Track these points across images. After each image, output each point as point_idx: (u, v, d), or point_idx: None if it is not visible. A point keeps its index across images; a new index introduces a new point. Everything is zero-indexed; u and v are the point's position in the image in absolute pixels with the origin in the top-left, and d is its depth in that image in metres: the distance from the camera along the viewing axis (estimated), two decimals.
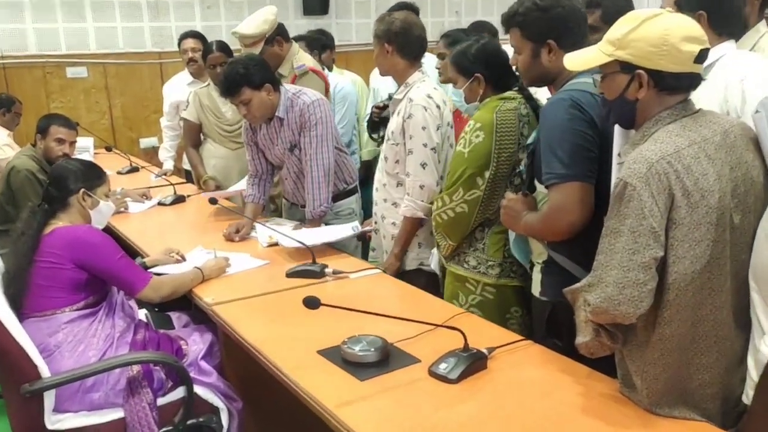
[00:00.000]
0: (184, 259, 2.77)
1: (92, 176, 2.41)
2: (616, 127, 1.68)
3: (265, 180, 3.22)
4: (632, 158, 1.47)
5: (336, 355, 1.88)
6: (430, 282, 2.69)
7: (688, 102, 1.56)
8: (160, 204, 3.77)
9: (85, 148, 5.31)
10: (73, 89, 7.70)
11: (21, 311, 2.20)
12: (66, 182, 2.35)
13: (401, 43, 2.68)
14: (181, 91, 4.40)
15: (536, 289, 2.04)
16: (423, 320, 1.90)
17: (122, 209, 3.54)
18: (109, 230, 3.47)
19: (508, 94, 2.27)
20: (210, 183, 3.97)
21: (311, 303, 1.69)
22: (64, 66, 7.62)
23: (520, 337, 1.97)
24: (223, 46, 4.29)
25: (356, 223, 3.02)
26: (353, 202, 3.27)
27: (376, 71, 4.09)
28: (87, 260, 2.20)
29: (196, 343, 2.36)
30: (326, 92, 3.58)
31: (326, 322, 2.06)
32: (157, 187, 4.02)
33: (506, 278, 2.27)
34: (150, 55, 7.42)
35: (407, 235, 2.68)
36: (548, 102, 1.90)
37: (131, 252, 3.20)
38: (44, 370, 2.06)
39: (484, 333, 2.02)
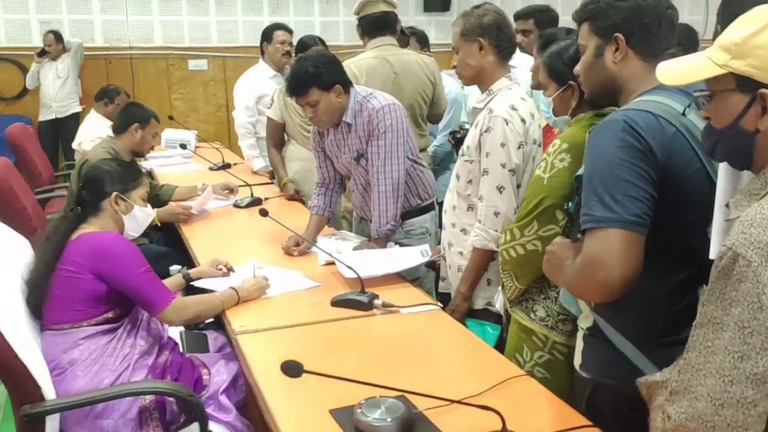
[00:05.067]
0: (232, 272, 2.53)
1: (128, 178, 2.23)
2: (723, 166, 1.23)
3: (332, 190, 2.94)
4: (750, 218, 1.03)
5: (348, 419, 1.55)
6: (499, 322, 2.28)
7: None
8: (235, 206, 3.60)
9: (186, 141, 5.27)
10: (193, 81, 7.87)
11: (42, 322, 2.05)
12: (99, 184, 2.18)
13: (496, 38, 2.30)
14: (264, 85, 4.21)
15: (577, 360, 1.62)
16: (455, 398, 1.53)
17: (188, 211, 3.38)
18: (172, 229, 3.37)
19: (608, 110, 1.82)
20: (289, 186, 3.76)
21: (291, 370, 1.36)
22: (186, 58, 7.80)
23: (586, 423, 1.54)
24: (321, 41, 4.09)
25: (426, 247, 2.66)
26: (428, 220, 2.91)
27: None
28: (107, 272, 2.01)
29: (219, 374, 2.11)
30: None
31: (357, 365, 1.79)
32: (237, 186, 3.84)
33: None
34: None
35: (476, 271, 2.30)
36: (599, 124, 1.46)
37: (182, 257, 3.05)
38: (48, 392, 1.89)
39: (539, 408, 1.61)
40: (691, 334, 1.10)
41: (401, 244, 2.84)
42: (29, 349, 1.90)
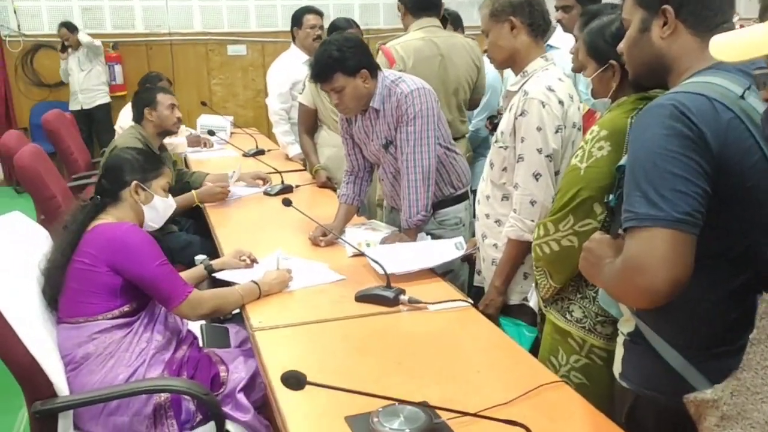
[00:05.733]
0: (256, 263, 2.44)
1: (148, 167, 2.15)
2: None
3: (362, 178, 2.82)
4: None
5: (364, 428, 1.43)
6: (535, 322, 2.13)
7: None
8: (265, 193, 3.52)
9: (221, 127, 5.22)
10: (232, 66, 7.84)
11: (58, 314, 1.99)
12: (119, 173, 2.11)
13: (529, 16, 2.14)
14: (297, 70, 4.10)
15: (617, 368, 1.46)
16: (482, 406, 1.40)
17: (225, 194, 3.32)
18: (202, 217, 3.30)
19: (653, 92, 1.64)
20: (321, 173, 3.65)
21: (292, 381, 1.24)
22: (225, 44, 7.77)
23: None
24: (353, 23, 3.97)
25: (461, 240, 2.52)
26: (461, 210, 2.76)
27: None
28: (121, 264, 1.93)
29: (237, 371, 2.02)
30: None
31: (377, 368, 1.70)
32: (266, 173, 3.75)
33: None
34: None
35: (512, 263, 2.15)
36: (643, 109, 1.29)
37: (210, 246, 2.97)
38: (62, 388, 1.84)
39: (574, 420, 1.47)
40: (746, 350, 0.95)
41: (433, 236, 2.71)
42: (42, 343, 1.85)
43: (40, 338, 1.85)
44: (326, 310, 2.08)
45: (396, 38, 3.27)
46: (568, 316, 1.75)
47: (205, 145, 4.84)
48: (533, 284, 1.99)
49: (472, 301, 2.12)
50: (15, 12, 7.09)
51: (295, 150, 4.23)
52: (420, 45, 3.15)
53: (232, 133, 5.37)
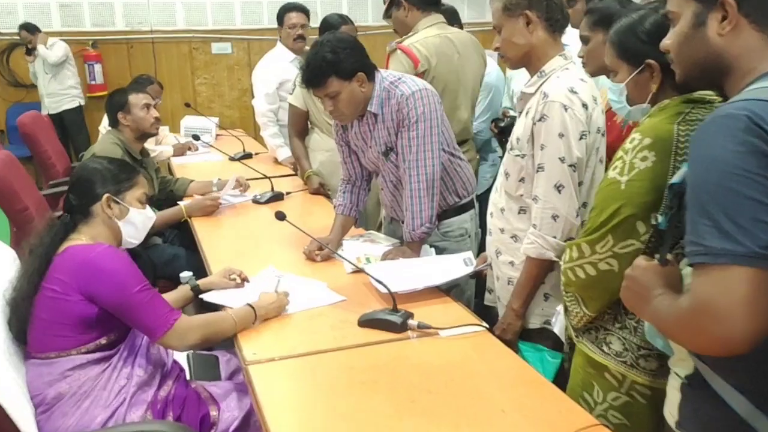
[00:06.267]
0: (246, 282, 2.23)
1: (122, 177, 1.92)
2: None
3: (359, 187, 2.61)
4: None
5: None
6: (559, 345, 1.94)
7: None
8: (254, 201, 3.30)
9: (206, 129, 4.99)
10: (217, 65, 7.59)
11: (27, 349, 1.77)
12: (88, 186, 1.88)
13: (546, 9, 1.93)
14: (283, 69, 3.88)
15: (671, 414, 1.27)
16: None
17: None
18: (187, 228, 3.08)
19: (699, 94, 1.45)
20: (313, 179, 3.44)
21: None
22: (209, 41, 7.51)
23: None
24: (349, 20, 3.76)
25: (470, 255, 2.32)
26: (467, 220, 2.56)
27: None
28: (96, 291, 1.72)
29: (230, 410, 1.82)
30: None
31: (387, 408, 1.52)
32: (255, 179, 3.54)
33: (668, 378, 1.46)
34: None
35: (531, 284, 1.96)
36: (707, 120, 1.09)
37: (197, 259, 2.75)
38: None
39: None
40: None
41: (437, 248, 2.51)
42: (7, 384, 1.63)
43: (5, 378, 1.63)
44: (327, 338, 1.87)
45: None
46: (604, 348, 1.55)
47: (190, 149, 4.61)
48: (558, 309, 1.80)
49: (488, 325, 1.92)
50: None
51: (284, 153, 4.01)
52: (438, 42, 2.94)
53: (217, 135, 5.14)
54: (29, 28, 6.42)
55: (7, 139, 7.01)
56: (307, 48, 4.00)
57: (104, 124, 4.64)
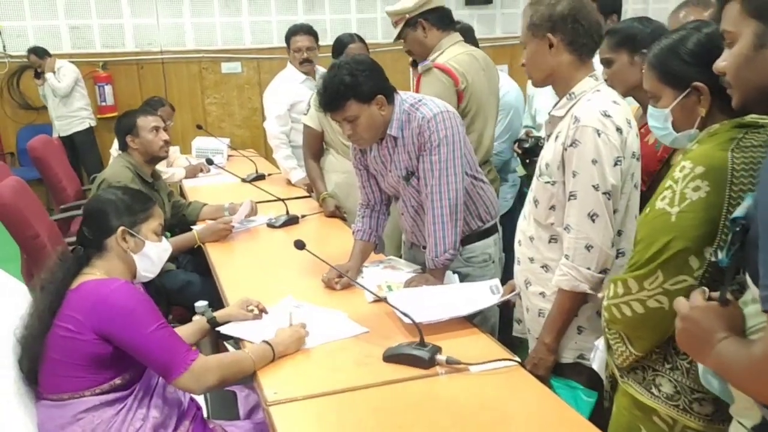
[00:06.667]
0: (264, 313, 2.15)
1: (137, 209, 1.85)
2: None
3: (378, 212, 2.53)
4: None
5: None
6: (594, 382, 1.85)
7: None
8: (269, 225, 3.23)
9: (217, 150, 4.94)
10: (227, 85, 7.56)
11: (38, 389, 1.70)
12: (102, 219, 1.81)
13: (571, 33, 1.84)
14: (295, 91, 3.83)
15: None
16: None
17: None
18: (200, 253, 3.00)
19: (751, 118, 1.35)
20: (329, 202, 3.36)
21: None
22: (219, 61, 7.50)
23: None
24: (360, 38, 3.71)
25: (496, 282, 2.23)
26: (490, 245, 2.48)
27: None
28: (110, 330, 1.64)
29: None
30: (458, 96, 2.81)
31: None
32: (268, 201, 3.46)
33: (725, 424, 1.34)
34: None
35: (564, 317, 1.86)
36: None
37: (212, 285, 2.67)
38: None
39: None
40: None
41: (460, 274, 2.43)
42: (17, 428, 1.55)
43: (15, 420, 1.55)
44: (351, 375, 1.79)
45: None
46: (653, 390, 1.45)
47: (202, 171, 4.56)
48: (598, 343, 1.71)
49: (519, 359, 1.83)
50: (0, 32, 6.80)
51: (298, 175, 3.95)
52: (468, 59, 2.88)
53: (229, 156, 5.09)
54: (38, 53, 6.41)
55: (18, 161, 7.00)
56: (321, 69, 3.99)
57: (115, 147, 4.60)
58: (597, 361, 1.71)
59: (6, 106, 6.97)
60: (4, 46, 6.83)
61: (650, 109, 1.54)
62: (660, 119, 1.51)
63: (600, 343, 1.68)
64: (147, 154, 3.08)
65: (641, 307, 1.40)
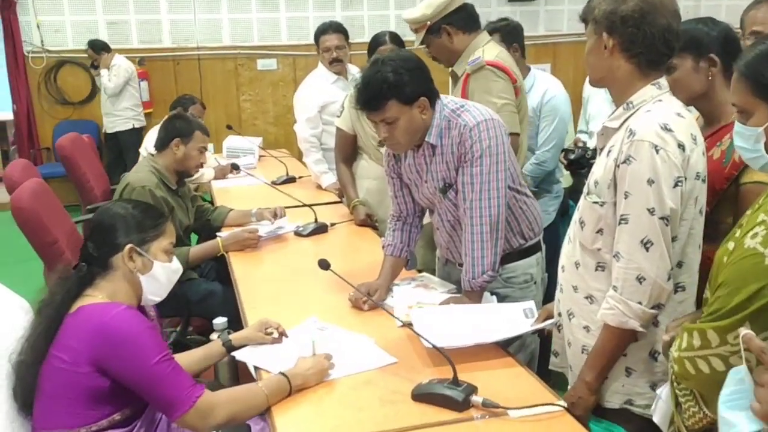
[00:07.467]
0: (284, 337, 1.99)
1: (147, 225, 1.70)
2: None
3: (410, 224, 2.35)
4: None
5: None
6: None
7: None
8: (296, 233, 3.07)
9: (249, 150, 4.82)
10: (262, 82, 7.46)
11: (32, 422, 1.56)
12: (110, 234, 1.67)
13: (629, 38, 1.62)
14: (326, 92, 3.66)
15: None
16: None
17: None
18: (223, 261, 2.87)
19: None
20: (360, 210, 3.19)
21: None
22: (255, 58, 7.39)
23: None
24: (395, 38, 3.52)
25: (531, 305, 2.03)
26: (533, 265, 2.27)
27: None
28: (107, 362, 1.50)
29: None
30: (516, 94, 2.60)
31: None
32: (296, 207, 3.31)
33: None
34: None
35: (609, 355, 1.65)
36: None
37: (233, 304, 2.51)
38: None
39: None
40: None
41: (499, 295, 2.23)
42: None
43: None
44: (376, 415, 1.61)
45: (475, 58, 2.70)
46: None
47: (231, 172, 4.44)
48: (660, 392, 1.49)
49: (565, 404, 1.62)
50: (38, 27, 6.81)
51: (329, 180, 3.79)
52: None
53: (260, 156, 4.96)
54: (95, 47, 6.41)
55: (54, 156, 7.00)
56: (353, 69, 3.82)
57: (145, 146, 4.52)
58: (659, 413, 1.49)
59: (43, 101, 6.99)
60: (42, 41, 6.83)
61: (738, 126, 1.32)
62: (750, 140, 1.29)
63: (663, 392, 1.47)
64: (181, 165, 2.98)
65: (722, 363, 1.19)
